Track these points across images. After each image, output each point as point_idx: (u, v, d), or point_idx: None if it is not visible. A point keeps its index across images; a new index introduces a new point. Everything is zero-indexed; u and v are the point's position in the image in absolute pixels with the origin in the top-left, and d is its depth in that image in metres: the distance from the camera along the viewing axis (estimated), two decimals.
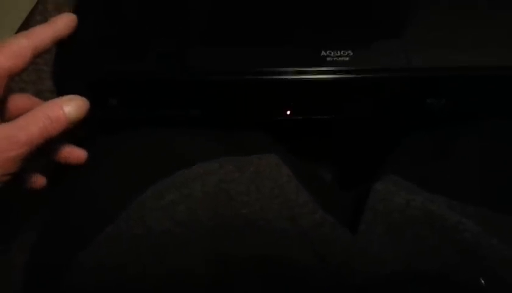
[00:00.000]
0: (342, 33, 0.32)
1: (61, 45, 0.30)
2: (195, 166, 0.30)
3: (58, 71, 0.31)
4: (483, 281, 0.26)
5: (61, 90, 0.30)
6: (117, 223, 0.29)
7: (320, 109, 0.32)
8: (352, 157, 0.45)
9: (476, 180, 0.31)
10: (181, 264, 0.28)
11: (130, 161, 0.32)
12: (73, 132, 0.29)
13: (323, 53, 0.30)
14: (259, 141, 0.34)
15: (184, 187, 0.29)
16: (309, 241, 0.29)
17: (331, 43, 0.31)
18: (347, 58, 0.30)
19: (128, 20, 0.34)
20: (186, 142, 0.32)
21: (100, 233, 0.29)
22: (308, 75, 0.30)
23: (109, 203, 0.30)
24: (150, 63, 0.30)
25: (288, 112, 0.32)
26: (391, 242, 0.28)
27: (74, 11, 0.32)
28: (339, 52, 0.30)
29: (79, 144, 0.32)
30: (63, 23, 0.30)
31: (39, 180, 0.31)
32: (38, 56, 0.28)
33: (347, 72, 0.30)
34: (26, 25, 0.53)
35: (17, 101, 0.30)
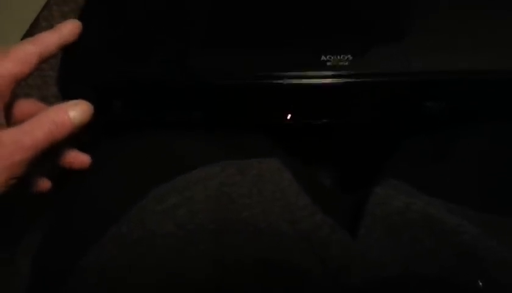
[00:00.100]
0: (342, 38, 0.33)
1: (66, 50, 0.31)
2: (197, 170, 0.30)
3: (63, 75, 0.31)
4: (481, 283, 0.26)
5: (66, 94, 0.31)
6: (120, 226, 0.29)
7: (320, 113, 0.33)
8: (352, 161, 0.45)
9: (475, 183, 0.31)
10: (182, 267, 0.28)
11: (132, 165, 0.32)
12: (77, 137, 0.29)
13: (323, 57, 0.31)
14: (260, 145, 0.35)
15: (186, 190, 0.30)
16: (309, 244, 0.29)
17: (331, 48, 0.31)
18: (347, 63, 0.30)
19: (132, 25, 0.34)
20: (187, 146, 0.33)
21: (103, 236, 0.29)
22: (308, 79, 0.30)
23: (111, 206, 0.30)
24: (153, 67, 0.31)
25: (289, 116, 0.32)
26: (390, 245, 0.29)
27: (79, 18, 0.33)
28: (338, 56, 0.31)
29: (83, 149, 0.32)
30: (68, 29, 0.30)
31: (44, 184, 0.32)
32: (43, 62, 0.29)
33: (346, 76, 0.30)
34: (32, 30, 0.54)
35: (22, 106, 0.30)
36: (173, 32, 0.33)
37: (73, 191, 0.33)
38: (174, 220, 0.29)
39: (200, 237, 0.29)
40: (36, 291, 0.31)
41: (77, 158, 0.32)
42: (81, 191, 0.32)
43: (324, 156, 0.44)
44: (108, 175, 0.32)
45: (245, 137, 0.35)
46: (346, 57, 0.31)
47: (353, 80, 0.30)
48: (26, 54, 0.27)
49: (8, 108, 0.28)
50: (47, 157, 0.28)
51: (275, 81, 0.30)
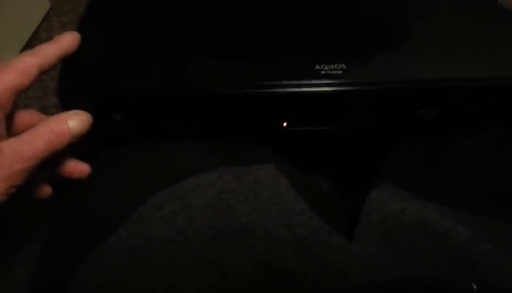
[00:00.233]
0: (335, 48, 0.33)
1: (66, 62, 0.31)
2: (195, 177, 0.31)
3: (62, 87, 0.32)
4: (475, 287, 0.27)
5: (66, 105, 0.31)
6: (119, 233, 0.29)
7: (315, 121, 0.33)
8: (348, 167, 0.45)
9: (469, 188, 0.31)
10: (181, 273, 0.29)
11: (132, 174, 0.32)
12: (77, 147, 0.30)
13: (317, 67, 0.31)
14: (258, 154, 0.35)
15: (184, 197, 0.30)
16: (306, 248, 0.29)
17: (325, 57, 0.32)
18: (340, 72, 0.31)
19: (131, 37, 0.35)
20: (186, 156, 0.33)
21: (102, 244, 0.29)
22: (303, 88, 0.31)
23: (110, 214, 0.30)
24: (153, 79, 0.31)
25: (285, 124, 0.33)
26: (386, 249, 0.29)
27: (78, 29, 0.33)
28: (332, 65, 0.31)
29: (83, 159, 0.33)
30: (67, 41, 0.31)
31: (44, 192, 0.32)
32: (43, 73, 0.29)
33: (340, 85, 0.31)
34: (31, 42, 0.54)
35: (23, 116, 0.31)
36: (171, 44, 0.34)
37: (72, 199, 0.33)
38: (173, 226, 0.29)
39: (199, 243, 0.29)
40: None
41: (77, 167, 0.32)
42: (80, 199, 0.33)
43: (321, 162, 0.45)
44: (107, 184, 0.32)
45: (243, 145, 0.35)
46: (340, 66, 0.31)
47: (346, 88, 0.31)
48: (26, 65, 0.28)
49: (9, 119, 0.28)
50: (47, 167, 0.28)
51: (270, 90, 0.31)
